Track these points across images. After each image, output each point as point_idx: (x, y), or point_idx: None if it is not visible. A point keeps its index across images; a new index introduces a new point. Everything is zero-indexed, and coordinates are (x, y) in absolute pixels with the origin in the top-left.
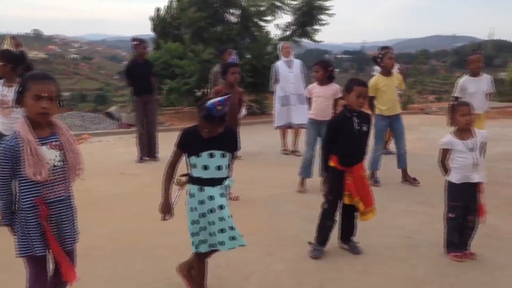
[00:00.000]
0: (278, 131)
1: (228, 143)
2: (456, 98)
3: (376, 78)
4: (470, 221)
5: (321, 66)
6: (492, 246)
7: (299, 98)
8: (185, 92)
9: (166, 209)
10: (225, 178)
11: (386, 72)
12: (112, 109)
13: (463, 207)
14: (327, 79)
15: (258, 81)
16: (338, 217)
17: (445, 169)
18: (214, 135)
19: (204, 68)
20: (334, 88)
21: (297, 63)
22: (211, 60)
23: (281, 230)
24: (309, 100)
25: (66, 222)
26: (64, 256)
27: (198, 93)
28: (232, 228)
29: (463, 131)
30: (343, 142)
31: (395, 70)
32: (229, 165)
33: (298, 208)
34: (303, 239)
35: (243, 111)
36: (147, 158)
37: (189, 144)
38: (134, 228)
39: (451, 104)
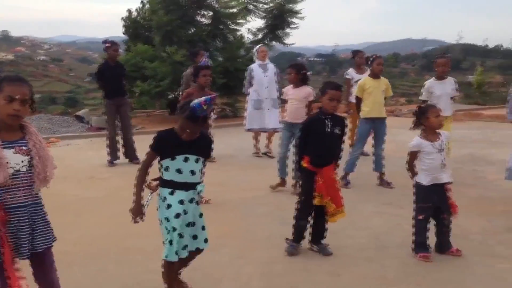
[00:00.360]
0: (251, 134)
1: (203, 149)
2: (424, 101)
3: (364, 80)
4: (445, 219)
5: (294, 69)
6: (458, 246)
7: (272, 102)
8: (156, 94)
9: (137, 212)
10: (197, 183)
11: (374, 75)
12: (82, 112)
13: (434, 208)
14: (300, 81)
15: (230, 84)
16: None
17: (413, 172)
18: (193, 137)
19: (176, 70)
20: (307, 91)
21: (271, 67)
22: (184, 62)
23: (253, 232)
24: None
25: (25, 230)
26: (10, 266)
27: (171, 96)
28: (195, 236)
29: (430, 133)
30: (315, 144)
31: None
32: (201, 170)
33: (270, 210)
34: (275, 242)
35: (213, 114)
36: (119, 161)
37: (164, 147)
38: (105, 232)
39: (419, 107)
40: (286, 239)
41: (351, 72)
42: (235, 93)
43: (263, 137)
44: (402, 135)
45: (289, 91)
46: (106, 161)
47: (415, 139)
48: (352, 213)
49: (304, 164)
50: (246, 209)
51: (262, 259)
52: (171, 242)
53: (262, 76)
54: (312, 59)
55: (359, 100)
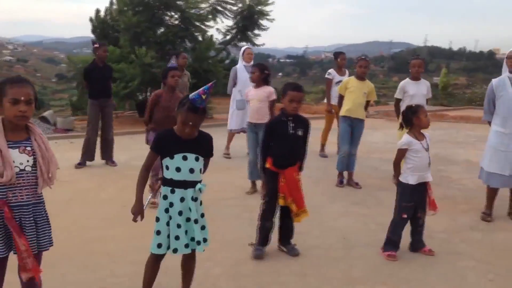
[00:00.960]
0: (226, 134)
1: (203, 148)
2: (398, 99)
3: (348, 79)
4: (420, 217)
5: (258, 68)
6: (429, 247)
7: None
8: (125, 96)
9: (138, 211)
10: (197, 182)
11: (358, 77)
12: (47, 113)
13: (414, 207)
14: (262, 81)
15: (200, 85)
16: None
17: (399, 170)
18: (193, 135)
19: (145, 71)
20: (268, 91)
21: None
22: (153, 64)
23: (222, 234)
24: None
25: (30, 229)
26: (30, 256)
27: (141, 97)
28: (192, 230)
29: (418, 133)
30: (277, 145)
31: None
32: (201, 169)
33: (239, 211)
34: (243, 243)
35: None
36: (90, 163)
37: (164, 146)
38: (69, 236)
39: (410, 107)
40: (251, 244)
41: (332, 72)
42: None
43: (237, 138)
44: (369, 136)
45: (251, 91)
46: (75, 163)
47: (405, 137)
48: (320, 214)
49: (268, 165)
50: (214, 210)
51: (230, 260)
52: (158, 232)
53: (246, 77)
54: (282, 60)
55: (341, 98)
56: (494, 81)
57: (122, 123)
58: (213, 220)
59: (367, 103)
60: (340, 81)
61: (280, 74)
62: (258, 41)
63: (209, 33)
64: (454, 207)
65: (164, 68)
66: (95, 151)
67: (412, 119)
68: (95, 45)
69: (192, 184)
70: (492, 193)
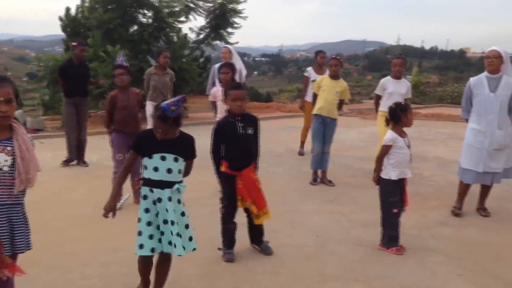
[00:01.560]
0: (198, 135)
1: (183, 149)
2: (378, 96)
3: (322, 77)
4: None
5: (231, 68)
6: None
7: None
8: (98, 95)
9: (110, 208)
10: (177, 183)
11: (331, 76)
12: (17, 113)
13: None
14: (232, 81)
15: (174, 83)
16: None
17: (381, 166)
18: (169, 137)
19: None
20: None
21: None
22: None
23: (195, 234)
24: (213, 104)
25: (3, 229)
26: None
27: None
28: (177, 234)
29: (401, 130)
30: (229, 147)
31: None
32: (180, 170)
33: (212, 211)
34: (216, 243)
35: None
36: (74, 163)
37: (143, 146)
38: (37, 239)
39: (399, 104)
40: (219, 248)
41: (310, 71)
42: (180, 93)
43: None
44: (343, 134)
45: (219, 92)
46: (61, 161)
47: (390, 134)
48: (293, 212)
49: (223, 168)
50: (189, 210)
51: (203, 260)
52: (139, 233)
53: None
54: (258, 59)
55: (315, 96)
56: (472, 79)
57: (94, 122)
58: None
59: (341, 102)
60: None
61: (255, 72)
62: (231, 39)
63: (183, 32)
64: (425, 203)
65: (113, 67)
66: (77, 152)
67: (400, 117)
68: (73, 44)
69: (169, 185)
70: (464, 188)
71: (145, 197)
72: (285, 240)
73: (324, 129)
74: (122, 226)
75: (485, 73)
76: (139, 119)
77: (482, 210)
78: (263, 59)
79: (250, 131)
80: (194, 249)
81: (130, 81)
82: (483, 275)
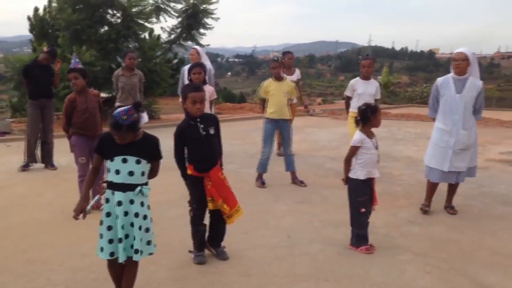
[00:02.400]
0: (170, 136)
1: (146, 150)
2: (348, 97)
3: (268, 82)
4: (369, 212)
5: (202, 69)
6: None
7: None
8: (65, 96)
9: (80, 209)
10: (139, 185)
11: (275, 78)
12: None
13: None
14: (203, 81)
15: (145, 85)
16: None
17: (349, 166)
18: (126, 142)
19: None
20: (210, 90)
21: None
22: (93, 62)
23: (165, 236)
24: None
25: None
26: None
27: None
28: (133, 237)
29: (369, 131)
30: (193, 149)
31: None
32: (144, 172)
33: (183, 213)
34: (187, 245)
35: (146, 117)
36: (34, 166)
37: (105, 149)
38: (4, 244)
39: (369, 105)
40: (190, 251)
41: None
42: (152, 95)
43: None
44: (315, 135)
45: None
46: (18, 166)
47: (359, 135)
48: (264, 213)
49: (189, 171)
50: (159, 213)
51: (174, 263)
52: (101, 236)
53: None
54: (231, 59)
55: (263, 101)
56: (439, 79)
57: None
58: (156, 222)
59: (290, 101)
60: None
61: (229, 73)
62: (203, 40)
63: (155, 33)
64: (394, 202)
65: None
66: (36, 154)
67: (370, 118)
68: (44, 49)
69: (131, 187)
70: (431, 187)
71: (107, 200)
72: (256, 241)
73: (280, 131)
74: (90, 231)
75: (451, 74)
76: (100, 121)
77: (449, 208)
78: (236, 60)
79: (212, 131)
80: (151, 253)
81: (85, 84)
82: (451, 272)
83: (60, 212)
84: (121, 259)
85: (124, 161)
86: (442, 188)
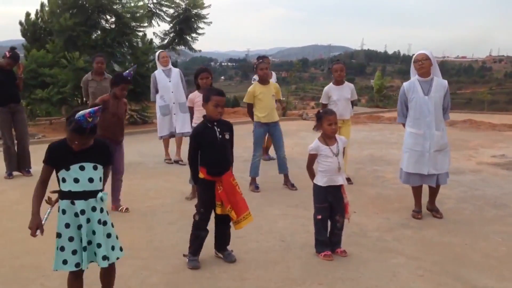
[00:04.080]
0: (158, 142)
1: (100, 156)
2: (324, 104)
3: (253, 86)
4: (338, 221)
5: (210, 74)
6: (358, 244)
7: (180, 106)
8: (58, 101)
9: (35, 225)
10: (98, 191)
11: (262, 81)
12: None
13: (329, 209)
14: (210, 86)
15: (137, 90)
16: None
17: (312, 174)
18: (85, 147)
19: (79, 76)
20: None
21: (175, 71)
22: (86, 68)
23: (159, 241)
24: (191, 109)
25: None
26: None
27: (76, 103)
28: (96, 244)
29: (328, 138)
30: (208, 153)
31: (273, 79)
32: (100, 178)
33: (177, 218)
34: (181, 249)
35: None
36: (17, 173)
37: (58, 159)
38: None
39: (318, 112)
40: (184, 255)
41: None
42: (143, 100)
43: (173, 143)
44: (309, 138)
45: (198, 97)
46: (3, 174)
47: (314, 142)
48: (258, 217)
49: (201, 175)
50: (152, 218)
51: (168, 268)
52: (62, 249)
53: (166, 81)
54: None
55: (250, 106)
56: (405, 84)
57: (56, 129)
58: (150, 227)
59: (277, 102)
60: None
61: (222, 77)
62: (196, 45)
63: (148, 38)
64: (387, 205)
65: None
66: (16, 160)
67: (318, 125)
68: (6, 52)
69: (92, 194)
70: (416, 191)
71: (64, 212)
72: (250, 245)
73: (271, 134)
74: None
75: (416, 77)
76: (123, 129)
77: (434, 211)
78: (229, 64)
79: (227, 136)
80: (118, 258)
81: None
82: (443, 275)
83: (52, 218)
84: (84, 266)
85: (82, 168)
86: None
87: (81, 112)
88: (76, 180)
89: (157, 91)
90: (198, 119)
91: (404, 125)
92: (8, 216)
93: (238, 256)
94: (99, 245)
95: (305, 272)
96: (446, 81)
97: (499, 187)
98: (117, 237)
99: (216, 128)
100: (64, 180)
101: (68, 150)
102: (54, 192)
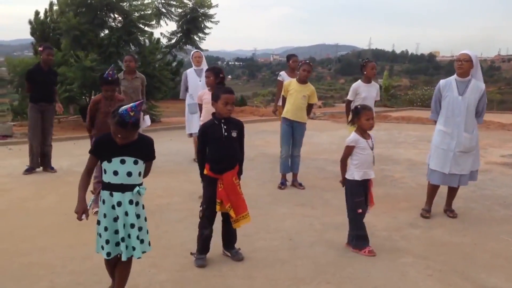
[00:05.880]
0: (171, 139)
1: (142, 151)
2: (350, 101)
3: (290, 81)
4: (363, 212)
5: (212, 72)
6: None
7: None
8: (65, 100)
9: (82, 209)
10: (137, 185)
11: (300, 80)
12: None
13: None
14: (217, 85)
15: (146, 89)
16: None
17: (345, 167)
18: (128, 141)
19: (86, 75)
20: None
21: None
22: (94, 67)
23: (166, 240)
24: (200, 106)
25: None
26: None
27: (84, 102)
28: (137, 237)
29: (364, 132)
30: (212, 149)
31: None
32: (141, 173)
33: (185, 216)
34: (189, 248)
35: (148, 121)
36: (38, 170)
37: (102, 150)
38: (5, 248)
39: (355, 107)
40: (192, 253)
41: (283, 74)
42: (151, 99)
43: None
44: (316, 138)
45: (206, 95)
46: (22, 169)
47: (352, 135)
48: (266, 215)
49: (205, 171)
50: (160, 216)
51: (176, 266)
52: (100, 235)
53: (197, 80)
54: (231, 63)
55: (284, 99)
56: (441, 82)
57: (64, 128)
58: (158, 225)
59: (310, 106)
60: None
61: (229, 76)
62: (203, 44)
63: (154, 36)
64: (395, 205)
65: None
66: (39, 157)
67: (355, 120)
68: (40, 48)
69: (130, 188)
70: (432, 189)
71: (104, 202)
72: (258, 244)
73: (292, 132)
74: (92, 234)
75: (454, 76)
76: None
77: (449, 211)
78: (236, 63)
79: (234, 134)
80: (144, 251)
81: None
82: (452, 275)
83: (62, 215)
84: (124, 257)
85: (122, 162)
86: (443, 190)
87: (124, 107)
88: (116, 173)
89: (187, 90)
90: (204, 116)
91: (435, 122)
92: (17, 214)
93: (246, 255)
94: (138, 238)
95: (313, 271)
96: (483, 85)
97: (508, 186)
98: (147, 232)
99: (223, 125)
100: (105, 172)
101: (113, 143)
102: (99, 182)
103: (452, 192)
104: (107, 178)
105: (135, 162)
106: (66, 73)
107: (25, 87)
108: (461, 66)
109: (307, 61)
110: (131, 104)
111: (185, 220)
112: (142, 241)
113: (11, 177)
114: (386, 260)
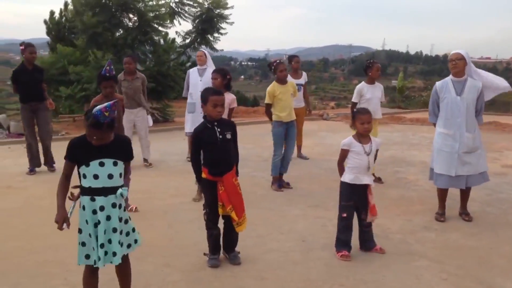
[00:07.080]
0: (184, 139)
1: (121, 151)
2: (355, 103)
3: (272, 86)
4: (363, 219)
5: (220, 74)
6: (380, 245)
7: None
8: (81, 99)
9: (62, 218)
10: (119, 187)
11: (280, 81)
12: (0, 117)
13: (354, 207)
14: (224, 87)
15: (159, 89)
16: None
17: (342, 170)
18: (104, 142)
19: None
20: (230, 98)
21: (209, 72)
22: None
23: (179, 239)
24: None
25: None
26: None
27: None
28: (117, 241)
29: (362, 136)
30: (209, 153)
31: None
32: (121, 174)
33: (197, 216)
34: (201, 248)
35: (150, 121)
36: (39, 169)
37: (78, 154)
38: (20, 245)
39: (353, 111)
40: (205, 254)
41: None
42: (164, 98)
43: None
44: (329, 138)
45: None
46: (26, 169)
47: (347, 139)
48: (278, 217)
49: (204, 175)
50: (173, 215)
51: (188, 266)
52: (83, 244)
53: (197, 80)
54: (244, 63)
55: (269, 106)
56: (437, 83)
57: (78, 126)
58: (171, 225)
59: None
60: (297, 84)
61: (242, 77)
62: (217, 44)
63: (169, 36)
64: (410, 207)
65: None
66: (39, 157)
67: (352, 123)
68: (21, 47)
69: (112, 191)
70: (442, 193)
71: (84, 208)
72: (271, 245)
73: (285, 134)
74: None
75: (450, 77)
76: (122, 125)
77: (464, 214)
78: (249, 63)
79: (228, 136)
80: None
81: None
82: (467, 279)
83: (76, 214)
84: (101, 265)
85: (101, 164)
86: (457, 193)
87: (98, 107)
88: (96, 176)
89: (188, 89)
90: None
91: (435, 125)
92: (32, 212)
93: (258, 256)
94: (119, 243)
95: (326, 273)
96: (480, 83)
97: None
98: (133, 230)
99: (216, 128)
100: (84, 176)
101: (88, 146)
102: (75, 187)
103: (464, 194)
104: (87, 183)
105: (115, 164)
106: (82, 72)
107: (12, 88)
108: (455, 65)
109: (280, 61)
110: (105, 104)
111: (197, 220)
112: (129, 246)
113: (24, 176)
114: (400, 263)
